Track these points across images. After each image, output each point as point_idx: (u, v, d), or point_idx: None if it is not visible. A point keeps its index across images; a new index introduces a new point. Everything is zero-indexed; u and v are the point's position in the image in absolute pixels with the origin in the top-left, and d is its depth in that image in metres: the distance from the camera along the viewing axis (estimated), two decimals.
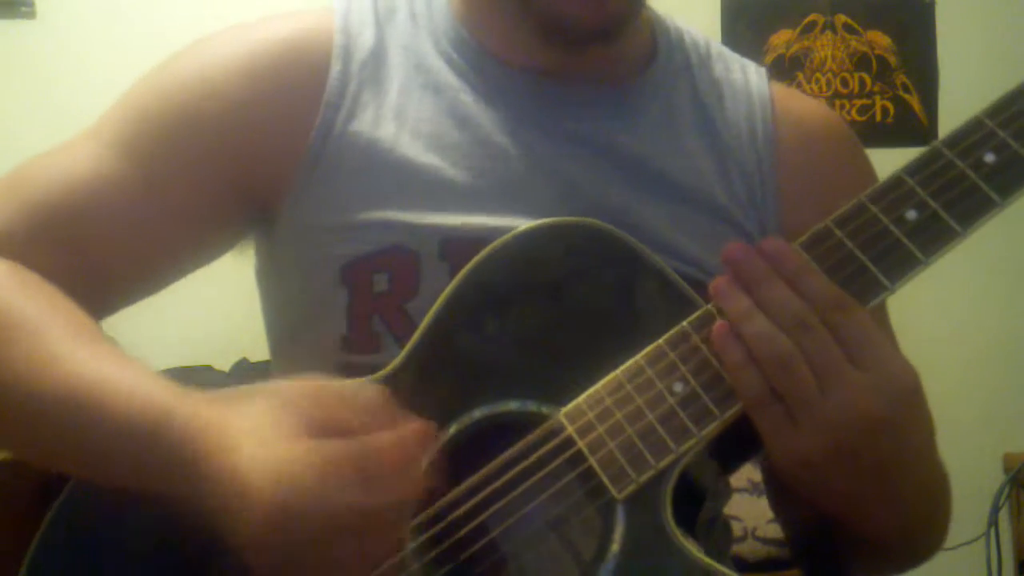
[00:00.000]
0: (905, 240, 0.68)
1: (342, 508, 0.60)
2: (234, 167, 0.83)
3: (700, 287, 0.73)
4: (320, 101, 0.83)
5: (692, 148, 0.86)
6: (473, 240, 0.77)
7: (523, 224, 0.77)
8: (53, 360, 0.72)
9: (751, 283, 0.68)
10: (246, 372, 2.04)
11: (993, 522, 2.36)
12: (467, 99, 0.84)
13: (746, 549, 1.96)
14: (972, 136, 0.69)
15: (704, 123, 0.87)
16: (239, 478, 0.61)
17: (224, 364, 2.08)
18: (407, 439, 0.62)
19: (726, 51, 0.94)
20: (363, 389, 0.65)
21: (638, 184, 0.83)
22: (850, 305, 0.67)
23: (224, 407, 0.66)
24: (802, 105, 0.93)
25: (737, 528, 1.82)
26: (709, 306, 0.71)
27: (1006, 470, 2.44)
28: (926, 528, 0.78)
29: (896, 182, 0.70)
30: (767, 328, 0.66)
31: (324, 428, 0.62)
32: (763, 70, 0.93)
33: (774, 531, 1.48)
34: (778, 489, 0.83)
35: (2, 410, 0.74)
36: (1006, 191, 0.67)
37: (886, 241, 0.68)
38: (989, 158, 0.68)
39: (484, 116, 0.84)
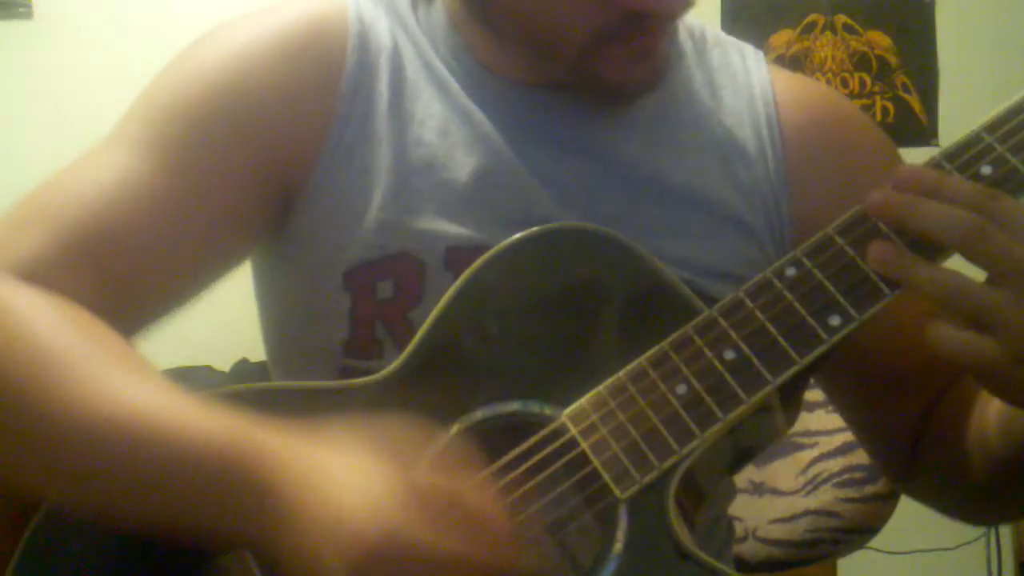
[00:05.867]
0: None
1: (447, 556, 0.57)
2: (269, 157, 0.80)
3: (701, 294, 0.73)
4: (337, 92, 0.82)
5: (690, 143, 0.85)
6: (479, 249, 0.76)
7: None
8: (105, 394, 0.67)
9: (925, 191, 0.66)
10: (246, 372, 2.05)
11: None
12: (466, 98, 0.84)
13: (747, 549, 1.96)
14: (970, 150, 0.70)
15: (702, 115, 0.86)
16: (331, 514, 0.58)
17: (224, 364, 2.09)
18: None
19: (723, 36, 0.92)
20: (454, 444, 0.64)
21: (634, 187, 0.83)
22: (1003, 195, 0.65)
23: (297, 438, 0.63)
24: (804, 87, 0.91)
25: (738, 528, 1.81)
26: (712, 311, 0.71)
27: None
28: None
29: None
30: (946, 208, 0.64)
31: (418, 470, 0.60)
32: (760, 53, 0.91)
33: (775, 531, 1.48)
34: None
35: (54, 448, 0.67)
36: None
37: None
38: (986, 171, 0.69)
39: (483, 119, 0.83)
